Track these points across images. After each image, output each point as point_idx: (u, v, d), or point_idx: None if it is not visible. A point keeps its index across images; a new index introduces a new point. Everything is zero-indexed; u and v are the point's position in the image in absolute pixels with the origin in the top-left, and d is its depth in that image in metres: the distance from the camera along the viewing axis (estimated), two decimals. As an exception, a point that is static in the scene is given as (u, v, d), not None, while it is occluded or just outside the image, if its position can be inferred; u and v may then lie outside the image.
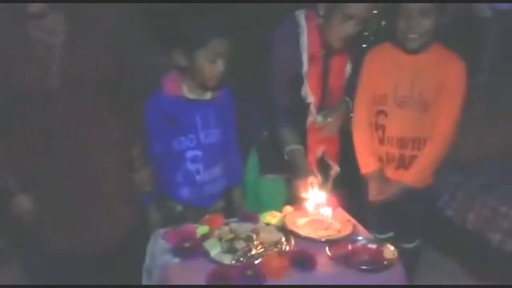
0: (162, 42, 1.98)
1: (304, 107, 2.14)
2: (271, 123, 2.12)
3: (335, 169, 2.24)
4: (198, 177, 1.99)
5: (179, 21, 1.92)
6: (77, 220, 1.81)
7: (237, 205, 2.16)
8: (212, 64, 1.87)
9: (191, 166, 1.98)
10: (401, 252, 2.17)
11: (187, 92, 1.95)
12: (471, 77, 2.11)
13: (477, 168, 2.52)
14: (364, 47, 2.29)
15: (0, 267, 2.50)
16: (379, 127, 2.12)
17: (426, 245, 2.51)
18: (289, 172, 2.10)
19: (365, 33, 2.41)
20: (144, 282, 1.74)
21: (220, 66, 1.88)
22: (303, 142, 2.15)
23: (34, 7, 1.62)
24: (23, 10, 1.63)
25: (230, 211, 2.06)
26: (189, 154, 1.97)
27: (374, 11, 2.05)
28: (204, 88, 1.95)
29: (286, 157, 2.07)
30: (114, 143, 1.84)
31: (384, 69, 2.09)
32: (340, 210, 1.96)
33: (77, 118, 1.73)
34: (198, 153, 1.98)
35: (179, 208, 2.02)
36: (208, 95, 1.98)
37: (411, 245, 2.27)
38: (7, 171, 1.75)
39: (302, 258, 1.62)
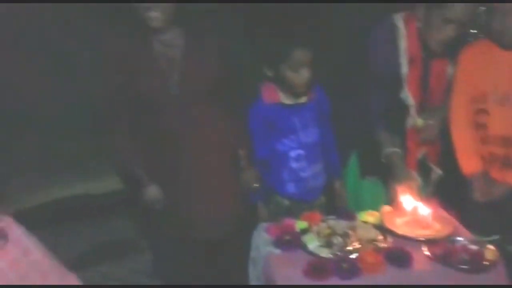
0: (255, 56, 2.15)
1: (403, 109, 2.16)
2: (369, 126, 2.17)
3: (437, 172, 2.22)
4: (303, 174, 2.14)
5: (262, 36, 2.08)
6: (194, 209, 2.04)
7: (339, 195, 2.25)
8: (296, 73, 2.02)
9: (295, 164, 2.13)
10: (507, 254, 2.13)
11: (284, 98, 2.10)
12: None
13: None
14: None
15: (134, 257, 2.82)
16: (480, 126, 2.08)
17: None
18: (388, 175, 2.13)
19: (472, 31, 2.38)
20: (250, 270, 1.89)
21: (304, 74, 2.02)
22: (403, 144, 2.17)
23: (157, 23, 1.87)
24: (147, 27, 1.88)
25: (331, 207, 2.17)
26: (293, 153, 2.12)
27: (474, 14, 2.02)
28: (296, 94, 2.09)
29: (384, 160, 2.11)
30: (223, 143, 2.05)
31: (481, 66, 2.05)
32: (440, 211, 1.96)
33: (193, 120, 1.96)
34: (301, 152, 2.13)
35: (286, 203, 2.17)
36: (303, 99, 2.12)
37: (518, 248, 2.19)
38: (138, 165, 2.01)
39: (398, 255, 1.67)
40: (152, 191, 2.01)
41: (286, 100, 2.10)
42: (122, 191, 2.26)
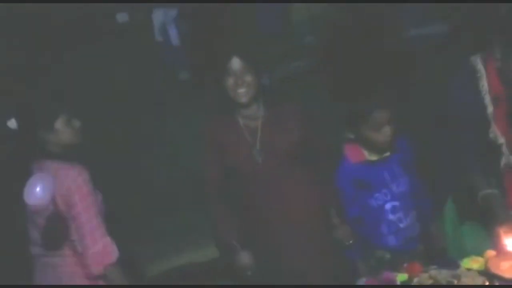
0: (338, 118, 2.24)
1: (496, 148, 2.11)
2: (462, 170, 2.14)
3: None
4: (401, 225, 2.15)
5: (342, 99, 2.17)
6: (284, 274, 2.09)
7: (437, 238, 2.22)
8: (378, 133, 2.08)
9: (392, 216, 2.15)
10: None
11: (369, 155, 2.16)
12: None
13: None
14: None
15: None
16: None
17: None
18: (488, 218, 2.07)
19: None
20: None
21: (386, 132, 2.08)
22: (500, 185, 2.11)
23: (245, 99, 2.05)
24: (234, 103, 2.08)
25: (430, 255, 2.14)
26: (388, 206, 2.15)
27: None
28: (381, 150, 2.14)
29: (481, 203, 2.06)
30: (312, 205, 2.13)
31: None
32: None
33: (278, 185, 2.08)
34: (396, 203, 2.15)
35: (388, 256, 2.16)
36: (387, 152, 2.16)
37: None
38: (232, 233, 2.13)
39: (508, 300, 1.61)
40: (245, 257, 2.10)
41: (372, 157, 2.16)
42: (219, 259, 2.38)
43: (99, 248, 1.91)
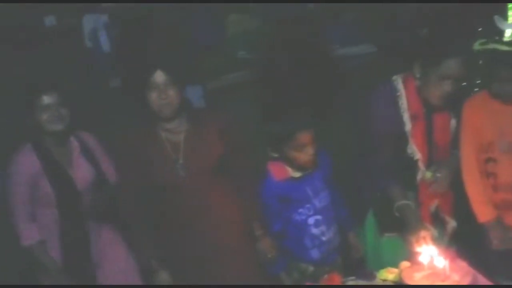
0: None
1: (412, 164, 2.21)
2: (381, 184, 2.23)
3: (451, 224, 2.24)
4: (324, 238, 2.20)
5: (264, 118, 2.19)
6: None
7: (354, 247, 2.29)
8: (301, 152, 2.11)
9: (316, 230, 2.20)
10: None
11: (292, 172, 2.19)
12: None
13: None
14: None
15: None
16: (490, 175, 2.13)
17: None
18: (404, 229, 2.17)
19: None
20: None
21: (309, 151, 2.11)
22: (416, 198, 2.21)
23: (167, 112, 2.01)
24: (155, 117, 2.03)
25: (350, 267, 2.20)
26: (311, 220, 2.19)
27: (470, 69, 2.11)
28: (304, 168, 2.18)
29: (396, 213, 2.15)
30: (234, 219, 2.13)
31: (485, 117, 2.12)
32: (459, 262, 1.96)
33: (201, 200, 2.06)
34: (318, 217, 2.20)
35: (311, 269, 2.21)
36: (310, 169, 2.20)
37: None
38: (150, 252, 2.08)
39: (417, 310, 1.68)
40: (162, 277, 2.06)
41: (295, 174, 2.18)
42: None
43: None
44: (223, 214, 2.10)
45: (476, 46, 2.25)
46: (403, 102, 2.17)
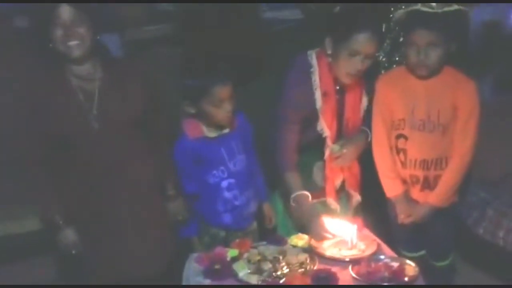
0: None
1: (321, 141, 2.21)
2: (280, 167, 2.17)
3: (356, 198, 2.29)
4: (236, 202, 2.17)
5: (182, 72, 2.10)
6: (119, 249, 1.99)
7: (268, 217, 2.29)
8: (218, 108, 2.05)
9: (228, 194, 2.16)
10: (436, 269, 2.19)
11: (207, 132, 2.13)
12: (502, 94, 2.14)
13: (506, 185, 2.54)
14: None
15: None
16: (400, 151, 2.19)
17: (462, 263, 2.53)
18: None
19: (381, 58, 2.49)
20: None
21: (226, 108, 2.06)
22: (323, 177, 2.23)
23: (76, 53, 1.84)
24: (63, 58, 1.86)
25: (262, 231, 2.21)
26: (224, 183, 2.15)
27: (381, 45, 2.10)
28: (220, 126, 2.13)
29: (293, 203, 2.14)
30: (149, 177, 2.03)
31: (398, 93, 2.17)
32: (365, 231, 2.04)
33: (115, 155, 1.94)
34: (232, 180, 2.15)
35: (222, 234, 2.18)
36: (226, 130, 2.16)
37: (444, 263, 2.30)
38: (53, 207, 1.95)
39: (324, 276, 1.73)
40: (69, 235, 1.96)
41: (210, 133, 2.13)
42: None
43: None
44: (136, 171, 1.98)
45: (399, 12, 2.29)
46: (316, 79, 2.15)
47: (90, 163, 1.92)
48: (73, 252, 1.98)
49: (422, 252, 2.33)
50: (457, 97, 2.10)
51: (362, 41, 2.01)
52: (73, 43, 1.82)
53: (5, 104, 2.01)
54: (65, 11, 1.80)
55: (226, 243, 2.06)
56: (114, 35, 2.88)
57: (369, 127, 2.25)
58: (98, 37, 1.91)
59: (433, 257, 2.31)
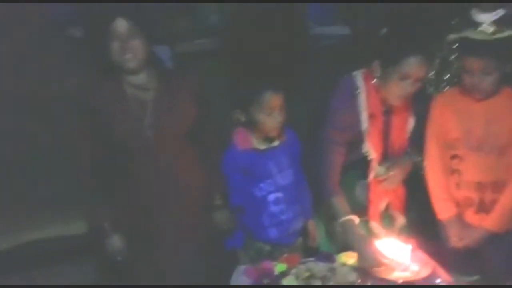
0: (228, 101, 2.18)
1: (366, 163, 2.15)
2: (324, 191, 2.11)
3: (400, 220, 2.22)
4: (283, 217, 2.14)
5: (232, 81, 2.10)
6: (163, 257, 1.99)
7: (311, 236, 2.24)
8: (268, 116, 2.04)
9: (275, 208, 2.13)
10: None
11: (257, 143, 2.12)
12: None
13: None
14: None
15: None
16: (454, 172, 2.13)
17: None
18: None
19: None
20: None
21: (277, 117, 2.05)
22: (366, 197, 2.17)
23: (131, 65, 1.88)
24: (119, 68, 1.90)
25: (309, 248, 2.16)
26: (271, 197, 2.12)
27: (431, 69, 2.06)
28: (269, 138, 2.11)
29: (339, 229, 2.08)
30: (198, 187, 2.04)
31: (454, 113, 2.12)
32: (419, 253, 1.97)
33: (166, 163, 1.95)
34: (279, 195, 2.13)
35: (267, 248, 2.15)
36: (275, 143, 2.14)
37: (500, 289, 2.20)
38: (104, 214, 1.97)
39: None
40: (115, 242, 1.96)
41: (259, 145, 2.12)
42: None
43: None
44: (186, 180, 1.99)
45: (450, 36, 2.25)
46: (362, 100, 2.11)
47: (141, 171, 1.93)
48: (119, 258, 1.98)
49: (476, 277, 2.22)
50: None
51: (413, 65, 1.97)
52: (128, 56, 1.87)
53: (61, 109, 2.06)
54: (121, 25, 1.85)
55: (272, 258, 2.01)
56: (164, 47, 2.93)
57: (416, 148, 2.19)
58: (152, 49, 1.95)
59: (487, 281, 2.20)
